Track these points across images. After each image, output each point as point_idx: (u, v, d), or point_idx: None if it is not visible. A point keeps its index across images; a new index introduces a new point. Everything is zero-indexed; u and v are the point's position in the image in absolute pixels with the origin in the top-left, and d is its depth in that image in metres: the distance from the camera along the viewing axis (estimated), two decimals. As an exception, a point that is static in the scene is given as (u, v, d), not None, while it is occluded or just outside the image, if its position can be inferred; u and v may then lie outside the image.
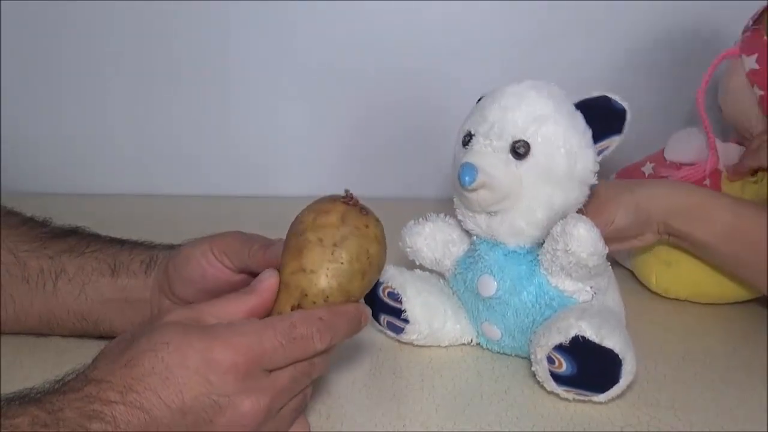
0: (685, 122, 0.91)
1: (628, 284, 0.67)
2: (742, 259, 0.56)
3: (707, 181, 0.67)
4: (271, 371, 0.37)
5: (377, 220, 0.41)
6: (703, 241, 0.56)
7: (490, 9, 0.86)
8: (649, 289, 0.66)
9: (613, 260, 0.69)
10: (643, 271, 0.65)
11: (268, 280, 0.39)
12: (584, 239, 0.45)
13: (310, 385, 0.41)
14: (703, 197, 0.56)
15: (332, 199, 0.41)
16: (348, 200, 0.41)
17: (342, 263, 0.39)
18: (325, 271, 0.39)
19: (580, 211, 0.50)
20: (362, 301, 0.42)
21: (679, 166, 0.69)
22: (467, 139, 0.50)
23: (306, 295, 0.39)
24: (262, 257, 0.42)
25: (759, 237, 0.54)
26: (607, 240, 0.47)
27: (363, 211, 0.41)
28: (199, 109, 0.90)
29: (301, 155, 0.92)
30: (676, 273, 0.62)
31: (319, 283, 0.39)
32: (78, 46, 0.86)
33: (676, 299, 0.64)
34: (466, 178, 0.46)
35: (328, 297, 0.39)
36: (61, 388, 0.34)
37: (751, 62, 0.66)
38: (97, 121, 0.90)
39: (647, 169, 0.70)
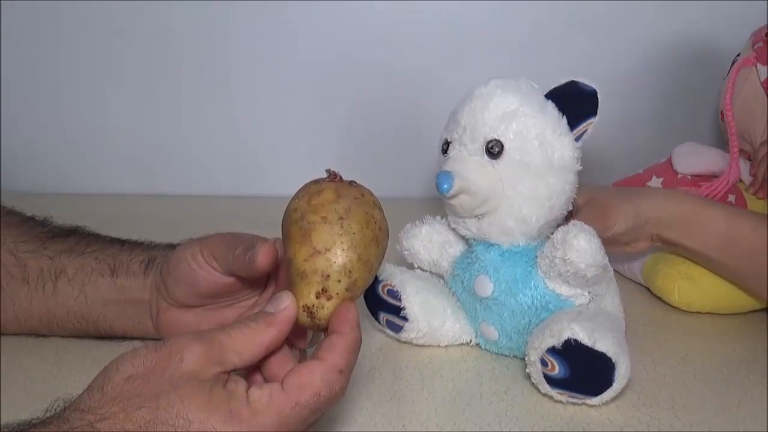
0: (681, 123, 0.91)
1: (627, 285, 0.67)
2: (737, 267, 0.56)
3: (732, 197, 0.66)
4: None
5: (367, 189, 0.41)
6: (697, 250, 0.57)
7: (488, 10, 0.86)
8: (652, 293, 0.65)
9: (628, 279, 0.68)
10: (664, 286, 0.63)
11: (287, 312, 0.36)
12: (584, 250, 0.45)
13: None
14: (697, 207, 0.56)
15: (317, 181, 0.41)
16: (333, 177, 0.40)
17: (354, 233, 0.38)
18: (340, 246, 0.37)
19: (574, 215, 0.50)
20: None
21: (696, 182, 0.68)
22: (445, 147, 0.50)
23: (328, 276, 0.37)
24: (242, 262, 0.41)
25: (753, 245, 0.54)
26: (603, 243, 0.47)
27: (352, 183, 0.41)
28: (199, 109, 0.90)
29: (303, 155, 0.92)
30: (698, 288, 0.61)
31: (338, 259, 0.37)
32: (78, 46, 0.86)
33: (698, 312, 0.62)
34: (444, 186, 0.46)
35: (351, 272, 0.37)
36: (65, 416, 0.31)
37: (765, 72, 0.66)
38: (97, 121, 0.90)
39: (655, 184, 0.69)
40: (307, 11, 0.85)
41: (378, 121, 0.90)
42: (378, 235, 0.39)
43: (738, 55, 0.71)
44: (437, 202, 0.54)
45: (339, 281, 0.37)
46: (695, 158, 0.69)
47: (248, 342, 0.35)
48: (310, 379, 0.34)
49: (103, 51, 0.87)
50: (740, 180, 0.68)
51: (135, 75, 0.88)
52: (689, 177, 0.68)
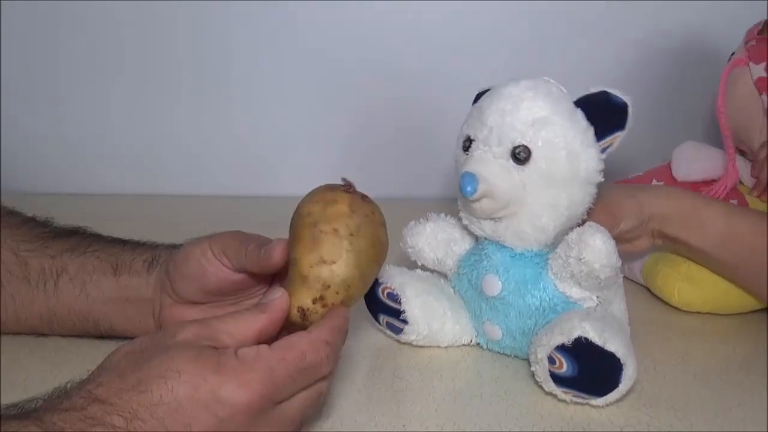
0: (681, 123, 0.91)
1: (627, 285, 0.66)
2: (737, 265, 0.56)
3: (734, 202, 0.65)
4: (280, 402, 0.36)
5: (377, 206, 0.43)
6: (698, 248, 0.57)
7: (492, 8, 0.86)
8: (652, 293, 0.65)
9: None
10: (664, 286, 0.62)
11: (279, 301, 0.39)
12: (599, 250, 0.45)
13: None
14: (697, 204, 0.56)
15: (332, 188, 0.42)
16: (348, 188, 0.42)
17: (360, 251, 0.40)
18: (346, 261, 0.39)
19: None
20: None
21: (696, 186, 0.67)
22: (467, 144, 0.49)
23: (329, 286, 0.39)
24: (256, 258, 0.42)
25: (754, 242, 0.54)
26: None
27: (365, 198, 0.42)
28: (199, 109, 0.90)
29: (303, 155, 0.92)
30: (698, 288, 0.60)
31: (341, 273, 0.39)
32: (78, 45, 0.86)
33: (698, 312, 0.62)
34: (468, 188, 0.46)
35: (349, 286, 0.40)
36: (62, 404, 0.33)
37: (759, 70, 0.66)
38: (97, 120, 0.90)
39: None
40: (307, 11, 0.85)
41: (381, 121, 0.90)
42: (379, 255, 0.41)
43: (733, 53, 0.70)
44: (444, 202, 0.54)
45: (337, 293, 0.40)
46: (695, 165, 0.68)
47: (240, 325, 0.37)
48: (297, 340, 0.37)
49: (102, 51, 0.87)
50: (741, 182, 0.67)
51: (135, 75, 0.88)
52: (688, 182, 0.68)
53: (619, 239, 0.56)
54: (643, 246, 0.60)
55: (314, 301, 0.39)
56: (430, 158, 0.88)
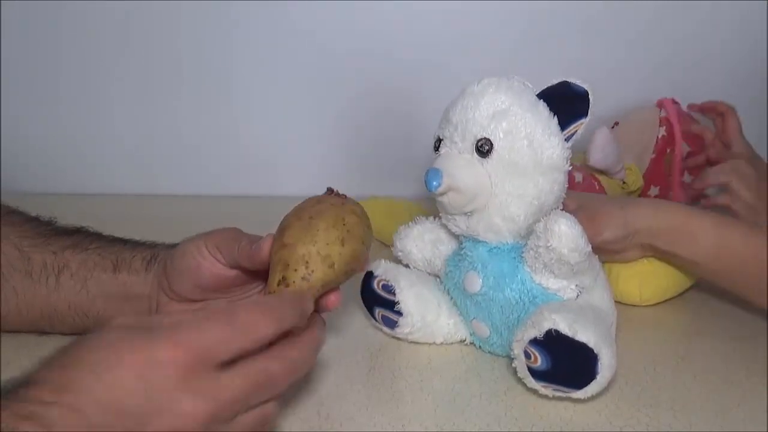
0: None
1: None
2: (732, 275, 0.56)
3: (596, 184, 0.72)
4: (221, 373, 0.34)
5: (355, 202, 0.44)
6: (690, 261, 0.57)
7: (486, 9, 0.86)
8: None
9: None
10: (626, 289, 0.62)
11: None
12: (565, 235, 0.45)
13: (273, 402, 0.37)
14: (687, 218, 0.56)
15: (318, 197, 0.45)
16: (330, 193, 0.44)
17: (318, 231, 0.41)
18: (302, 240, 0.41)
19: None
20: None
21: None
22: (437, 144, 0.51)
23: (287, 264, 0.41)
24: (248, 252, 0.43)
25: (743, 255, 0.54)
26: (593, 250, 0.47)
27: (341, 195, 0.44)
28: (199, 109, 0.90)
29: (303, 155, 0.92)
30: (657, 279, 0.61)
31: (298, 250, 0.41)
32: (78, 45, 0.86)
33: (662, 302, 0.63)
34: (434, 183, 0.47)
35: (307, 262, 0.41)
36: (5, 394, 0.32)
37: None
38: (97, 120, 0.90)
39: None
40: (308, 11, 0.85)
41: (381, 122, 0.90)
42: (344, 237, 0.42)
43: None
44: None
45: (296, 270, 0.41)
46: (609, 148, 0.71)
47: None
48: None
49: (103, 51, 0.87)
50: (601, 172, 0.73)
51: (135, 75, 0.88)
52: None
53: (603, 250, 0.56)
54: (631, 258, 0.60)
55: (278, 283, 0.41)
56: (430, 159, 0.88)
